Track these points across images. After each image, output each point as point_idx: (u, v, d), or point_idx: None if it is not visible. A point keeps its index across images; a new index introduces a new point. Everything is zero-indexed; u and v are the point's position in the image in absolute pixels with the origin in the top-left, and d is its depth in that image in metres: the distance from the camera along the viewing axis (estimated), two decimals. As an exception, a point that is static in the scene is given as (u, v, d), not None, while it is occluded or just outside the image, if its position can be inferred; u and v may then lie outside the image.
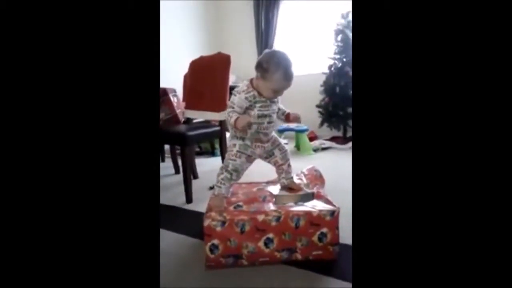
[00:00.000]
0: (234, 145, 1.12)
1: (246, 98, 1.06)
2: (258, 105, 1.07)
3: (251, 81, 1.08)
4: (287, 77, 1.02)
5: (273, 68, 1.00)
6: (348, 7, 3.12)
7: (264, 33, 3.89)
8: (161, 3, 3.30)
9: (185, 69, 2.20)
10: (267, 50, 1.07)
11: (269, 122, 1.11)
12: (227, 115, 1.07)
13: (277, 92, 1.06)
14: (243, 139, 1.13)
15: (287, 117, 1.17)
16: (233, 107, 1.06)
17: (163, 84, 2.55)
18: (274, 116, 1.13)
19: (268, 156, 1.20)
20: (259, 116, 1.07)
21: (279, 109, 1.17)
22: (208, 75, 1.84)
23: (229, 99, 1.14)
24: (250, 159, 1.17)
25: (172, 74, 2.87)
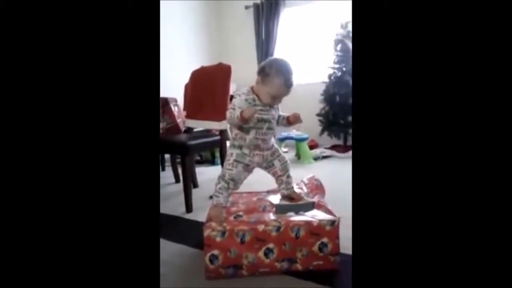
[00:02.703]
0: (231, 154, 1.13)
1: (246, 99, 1.08)
2: (258, 108, 1.07)
3: (252, 87, 1.11)
4: (287, 83, 1.05)
5: (274, 73, 1.04)
6: (347, 17, 3.16)
7: (264, 42, 3.94)
8: (162, 12, 3.36)
9: (186, 79, 2.22)
10: (270, 57, 1.12)
11: (268, 128, 1.11)
12: (229, 114, 1.06)
13: (276, 97, 1.08)
14: (240, 147, 1.13)
15: (288, 120, 1.17)
16: (234, 108, 1.06)
17: (164, 93, 2.57)
18: (274, 123, 1.14)
19: (267, 166, 1.20)
20: (259, 121, 1.08)
21: (279, 116, 1.17)
22: (209, 85, 1.86)
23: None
24: (248, 169, 1.16)
25: (173, 84, 2.90)
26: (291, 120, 1.16)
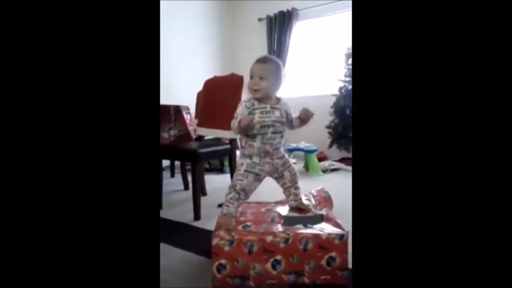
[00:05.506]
0: (242, 164, 1.14)
1: (245, 105, 1.12)
2: (257, 111, 1.10)
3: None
4: (258, 59, 1.16)
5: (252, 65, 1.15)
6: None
7: (276, 54, 3.98)
8: (179, 23, 3.45)
9: (198, 87, 2.26)
10: None
11: (273, 132, 1.11)
12: (232, 124, 1.12)
13: (253, 77, 1.11)
14: (250, 157, 1.13)
15: (300, 119, 1.17)
16: (236, 117, 1.12)
17: (177, 101, 2.62)
18: (280, 126, 1.12)
19: (278, 177, 1.20)
20: (262, 126, 1.09)
21: (291, 119, 1.17)
22: (221, 95, 1.89)
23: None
24: (259, 178, 1.16)
25: (186, 92, 2.95)
26: (302, 117, 1.15)
